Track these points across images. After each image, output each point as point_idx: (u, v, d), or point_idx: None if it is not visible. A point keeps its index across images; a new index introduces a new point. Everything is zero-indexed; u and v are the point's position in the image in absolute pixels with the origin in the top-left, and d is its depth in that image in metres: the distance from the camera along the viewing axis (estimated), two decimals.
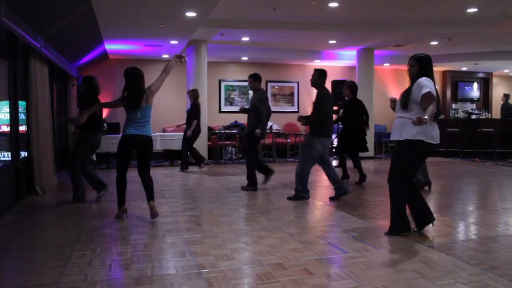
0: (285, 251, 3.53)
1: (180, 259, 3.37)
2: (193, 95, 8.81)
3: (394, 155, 4.04)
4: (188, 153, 8.90)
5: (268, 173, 6.67)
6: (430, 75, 3.84)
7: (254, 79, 6.48)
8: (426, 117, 3.41)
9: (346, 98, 7.24)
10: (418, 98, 3.70)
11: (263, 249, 3.60)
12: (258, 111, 6.29)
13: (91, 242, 3.83)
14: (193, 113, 8.66)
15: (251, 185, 6.51)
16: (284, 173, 8.33)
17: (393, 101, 4.06)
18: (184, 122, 8.92)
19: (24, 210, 5.30)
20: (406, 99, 3.81)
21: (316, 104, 5.63)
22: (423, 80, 3.75)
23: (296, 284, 2.85)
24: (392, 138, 3.99)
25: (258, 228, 4.30)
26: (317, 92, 5.67)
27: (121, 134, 4.75)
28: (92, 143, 5.74)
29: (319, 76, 5.68)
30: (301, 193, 5.71)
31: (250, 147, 6.55)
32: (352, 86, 7.16)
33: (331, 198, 5.76)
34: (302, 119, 5.79)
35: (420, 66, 3.86)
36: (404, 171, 3.92)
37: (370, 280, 2.91)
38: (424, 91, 3.63)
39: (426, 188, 6.38)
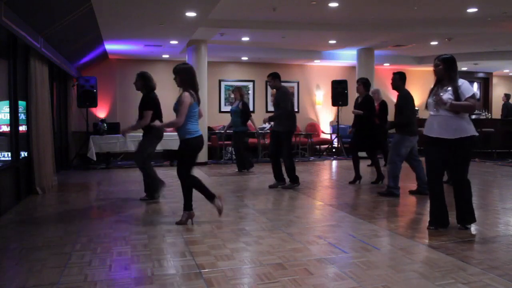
0: (285, 251, 3.53)
1: (180, 259, 3.37)
2: (240, 93, 8.67)
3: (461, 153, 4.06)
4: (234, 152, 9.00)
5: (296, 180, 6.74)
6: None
7: (274, 77, 6.66)
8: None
9: (358, 95, 7.10)
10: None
11: (263, 249, 3.60)
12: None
13: (91, 242, 3.83)
14: (246, 111, 8.56)
15: (294, 181, 6.69)
16: (284, 174, 8.31)
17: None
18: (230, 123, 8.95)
19: (24, 210, 5.30)
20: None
21: (399, 106, 5.86)
22: (467, 82, 4.09)
23: (296, 284, 2.85)
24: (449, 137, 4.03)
25: (258, 228, 4.30)
26: (399, 95, 5.96)
27: (191, 135, 4.32)
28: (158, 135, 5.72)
29: (400, 78, 5.97)
30: (393, 189, 5.88)
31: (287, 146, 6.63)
32: (366, 83, 7.05)
33: (410, 192, 6.08)
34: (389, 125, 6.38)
35: (446, 66, 4.08)
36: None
37: (370, 280, 2.91)
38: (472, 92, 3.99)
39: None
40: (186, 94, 4.28)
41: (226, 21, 8.51)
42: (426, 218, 4.82)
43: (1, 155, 5.83)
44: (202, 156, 9.97)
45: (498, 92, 15.41)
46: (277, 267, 3.17)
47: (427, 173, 4.31)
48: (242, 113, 8.47)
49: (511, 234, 4.07)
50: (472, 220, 4.21)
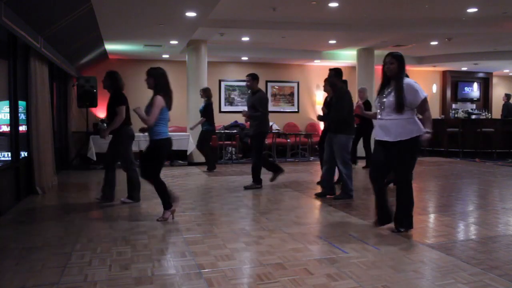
0: (285, 251, 3.54)
1: (180, 259, 3.37)
2: (206, 94, 8.78)
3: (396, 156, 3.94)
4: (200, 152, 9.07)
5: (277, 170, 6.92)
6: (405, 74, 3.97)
7: (253, 78, 6.67)
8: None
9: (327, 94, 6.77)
10: (414, 101, 3.85)
11: (263, 249, 3.61)
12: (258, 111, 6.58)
13: (91, 242, 3.83)
14: (206, 112, 8.64)
15: (257, 183, 6.65)
16: (285, 173, 8.31)
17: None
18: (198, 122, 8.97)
19: (24, 210, 5.30)
20: (401, 103, 3.83)
21: (336, 103, 5.72)
22: (415, 83, 3.92)
23: (296, 284, 2.85)
24: (385, 139, 3.95)
25: (258, 228, 4.30)
26: (335, 90, 5.84)
27: (159, 137, 4.55)
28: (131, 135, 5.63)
29: (336, 74, 5.82)
30: (350, 192, 5.80)
31: (258, 147, 6.64)
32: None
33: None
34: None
35: (400, 64, 3.91)
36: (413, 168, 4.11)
37: (370, 280, 2.91)
38: (424, 95, 3.86)
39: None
40: None
41: (226, 21, 8.51)
42: (427, 218, 4.83)
43: (1, 155, 5.83)
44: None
45: (498, 92, 15.41)
46: (277, 267, 3.17)
47: (370, 172, 4.22)
48: (203, 113, 8.65)
49: (511, 234, 4.07)
50: (408, 225, 4.03)
